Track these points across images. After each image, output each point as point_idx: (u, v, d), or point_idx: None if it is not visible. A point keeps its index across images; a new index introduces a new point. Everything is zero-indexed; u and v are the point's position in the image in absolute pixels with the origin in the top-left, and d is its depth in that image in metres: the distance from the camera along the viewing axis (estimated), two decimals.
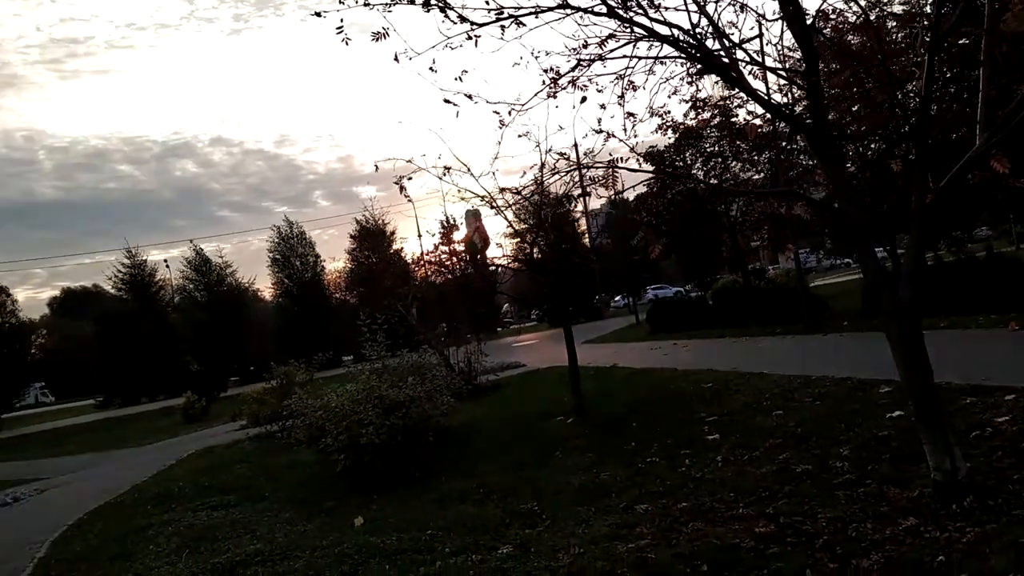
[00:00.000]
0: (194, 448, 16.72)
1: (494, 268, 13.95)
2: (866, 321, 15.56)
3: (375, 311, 12.08)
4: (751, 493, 6.04)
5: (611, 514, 6.18)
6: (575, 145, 7.99)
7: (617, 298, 56.31)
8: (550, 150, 6.75)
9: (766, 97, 5.99)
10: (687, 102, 24.72)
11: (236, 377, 44.06)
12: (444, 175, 10.93)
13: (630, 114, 5.92)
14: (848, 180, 5.57)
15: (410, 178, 10.90)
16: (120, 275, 47.43)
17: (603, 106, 6.00)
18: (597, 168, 6.47)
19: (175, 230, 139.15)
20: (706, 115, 25.59)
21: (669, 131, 25.09)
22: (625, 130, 5.90)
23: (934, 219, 15.46)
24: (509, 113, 5.70)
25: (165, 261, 51.50)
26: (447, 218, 46.59)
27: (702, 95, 24.46)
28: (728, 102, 25.31)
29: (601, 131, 6.39)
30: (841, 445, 6.97)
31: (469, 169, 11.27)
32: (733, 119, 25.74)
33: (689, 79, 8.16)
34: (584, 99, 6.05)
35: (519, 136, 6.40)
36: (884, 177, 13.04)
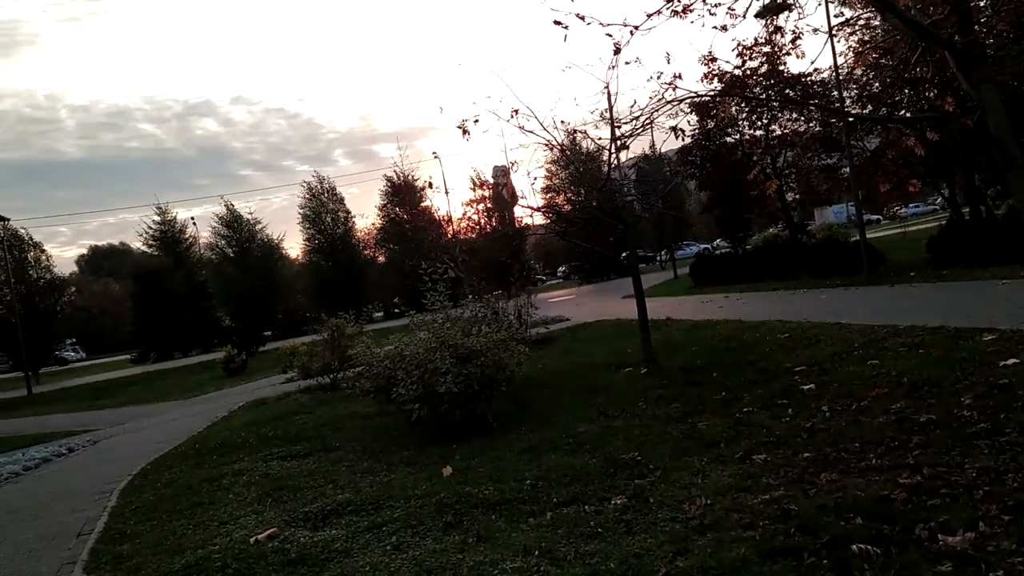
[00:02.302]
0: (243, 400, 16.63)
1: (562, 218, 13.42)
2: (935, 271, 15.03)
3: (425, 263, 11.73)
4: (877, 443, 5.66)
5: (727, 465, 5.83)
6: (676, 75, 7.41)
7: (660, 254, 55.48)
8: (660, 75, 6.20)
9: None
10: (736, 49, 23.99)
11: (269, 332, 44.18)
12: (512, 117, 10.55)
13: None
14: (1003, 104, 5.05)
15: (477, 121, 10.56)
16: (151, 231, 47.51)
17: (724, 28, 5.49)
18: (711, 97, 5.95)
19: (197, 189, 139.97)
20: (753, 63, 24.80)
21: (715, 80, 24.31)
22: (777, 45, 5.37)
23: None
24: (632, 32, 5.19)
25: (192, 219, 51.39)
26: (477, 175, 45.91)
27: (748, 41, 23.71)
28: (776, 49, 24.49)
29: (715, 59, 5.89)
30: (959, 394, 6.56)
31: (534, 114, 10.86)
32: (781, 67, 24.92)
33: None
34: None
35: (626, 63, 5.91)
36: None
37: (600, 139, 11.20)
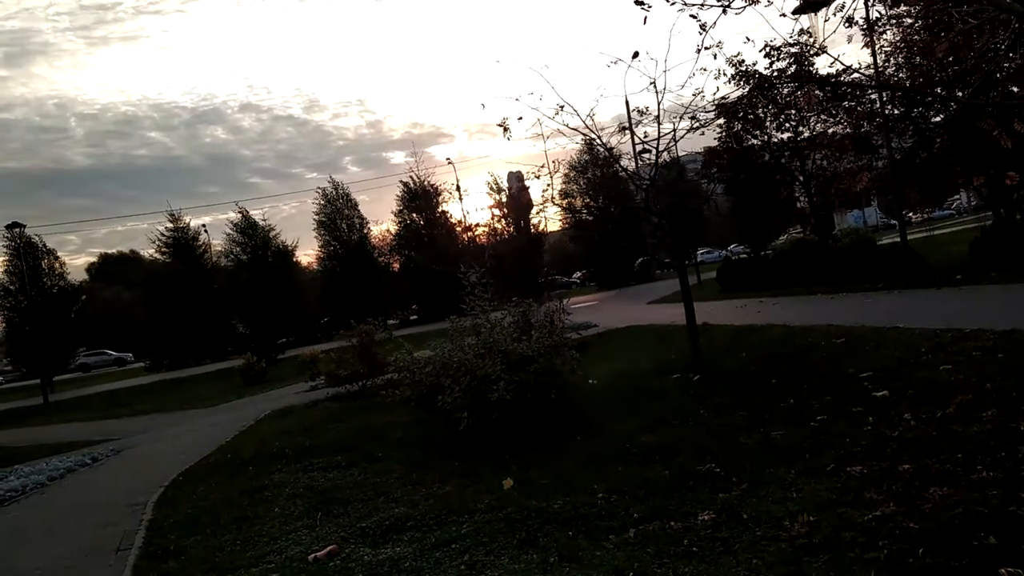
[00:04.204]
0: (268, 408, 16.28)
1: (606, 219, 13.13)
2: (983, 274, 14.59)
3: (463, 266, 11.39)
4: (983, 453, 5.26)
5: (820, 477, 5.42)
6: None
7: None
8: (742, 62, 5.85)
9: None
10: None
11: (284, 339, 43.82)
12: (557, 114, 10.31)
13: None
14: None
15: (520, 118, 10.29)
16: (164, 238, 47.22)
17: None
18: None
19: (206, 196, 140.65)
20: (781, 64, 24.37)
21: (743, 81, 23.85)
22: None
23: None
24: (724, 12, 4.84)
25: (203, 226, 51.02)
26: (494, 180, 45.59)
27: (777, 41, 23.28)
28: (804, 48, 24.06)
29: (743, 60, 5.49)
30: None
31: (577, 112, 10.57)
32: (809, 67, 24.45)
33: None
34: None
35: (705, 48, 5.56)
36: None
37: (647, 136, 10.84)
